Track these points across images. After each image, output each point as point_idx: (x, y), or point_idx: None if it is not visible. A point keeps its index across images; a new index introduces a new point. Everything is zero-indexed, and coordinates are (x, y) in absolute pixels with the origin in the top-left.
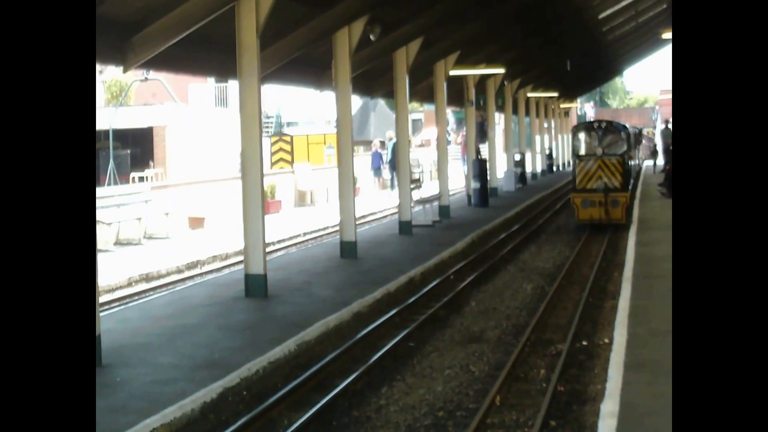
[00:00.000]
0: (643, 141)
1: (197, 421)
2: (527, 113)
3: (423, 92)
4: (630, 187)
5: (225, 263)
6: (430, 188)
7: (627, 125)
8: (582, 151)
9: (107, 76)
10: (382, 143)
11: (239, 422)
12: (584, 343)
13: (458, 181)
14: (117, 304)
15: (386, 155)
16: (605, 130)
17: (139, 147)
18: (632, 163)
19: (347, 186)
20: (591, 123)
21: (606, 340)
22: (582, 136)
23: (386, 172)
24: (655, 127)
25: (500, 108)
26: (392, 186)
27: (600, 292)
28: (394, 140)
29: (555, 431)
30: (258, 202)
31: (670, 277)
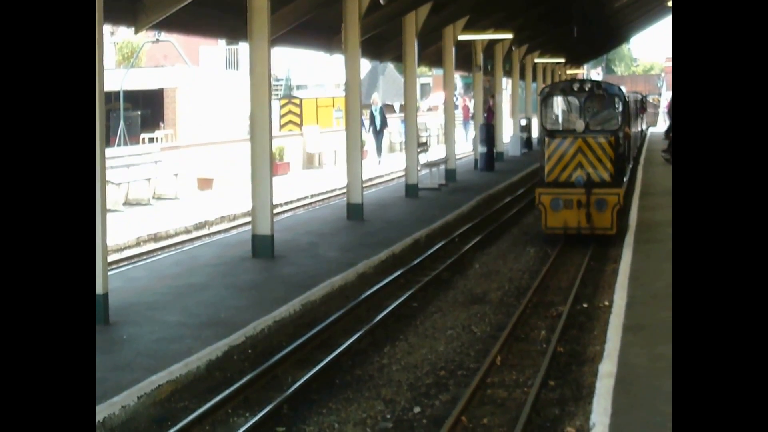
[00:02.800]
0: (649, 108)
1: (203, 378)
2: (534, 79)
3: (431, 57)
4: (625, 179)
5: (233, 224)
6: (437, 152)
7: (623, 88)
8: (554, 126)
9: (119, 37)
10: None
11: (244, 380)
12: (585, 305)
13: (463, 145)
14: (125, 263)
15: (368, 122)
16: (591, 95)
17: (149, 108)
18: (630, 143)
19: (355, 149)
20: (569, 83)
21: (606, 303)
22: (555, 103)
23: (370, 140)
24: (660, 95)
25: (507, 73)
26: (379, 155)
27: (602, 256)
28: (380, 105)
29: (554, 391)
30: (266, 164)
31: (670, 242)
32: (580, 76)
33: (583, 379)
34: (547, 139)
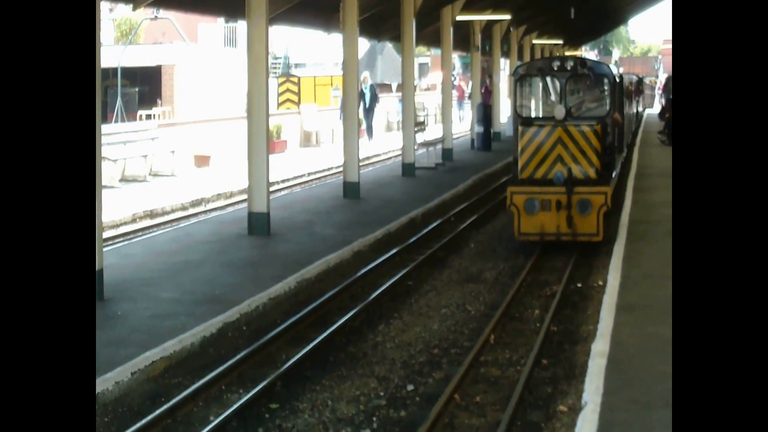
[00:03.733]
0: (646, 90)
1: (197, 355)
2: (532, 60)
3: (430, 37)
4: (615, 174)
5: (229, 201)
6: (434, 131)
7: (612, 67)
8: (530, 112)
9: (117, 14)
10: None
11: (237, 356)
12: (579, 285)
13: (460, 125)
14: (121, 239)
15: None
16: (573, 75)
17: (147, 85)
18: (622, 130)
19: (351, 127)
20: (548, 61)
21: (600, 283)
22: (532, 85)
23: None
24: (657, 77)
25: (505, 54)
26: (369, 134)
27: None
28: (370, 82)
29: (546, 369)
30: (263, 142)
31: (665, 222)
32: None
33: (575, 358)
34: (521, 127)
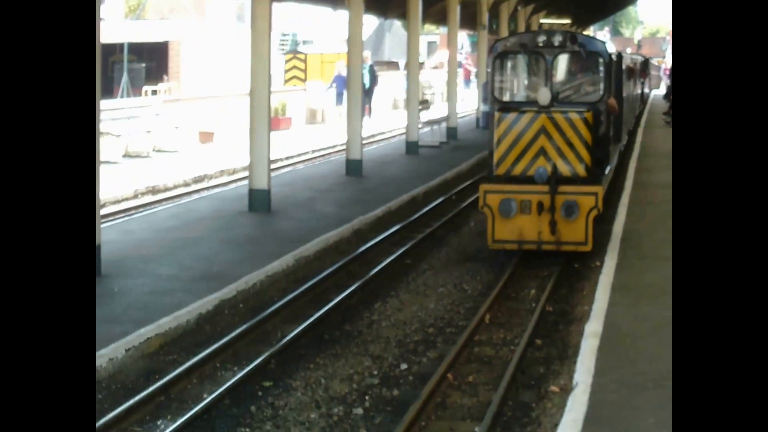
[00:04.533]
0: (652, 71)
1: (192, 331)
2: (514, 33)
3: (437, 15)
4: (610, 170)
5: (232, 178)
6: (441, 110)
7: (607, 43)
8: (510, 96)
9: None
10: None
11: (233, 333)
12: (576, 265)
13: (467, 104)
14: (122, 215)
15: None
16: (562, 52)
17: (154, 61)
18: (620, 116)
19: (355, 105)
20: (533, 36)
21: (597, 263)
22: (512, 64)
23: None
24: (665, 57)
25: (513, 33)
26: (368, 113)
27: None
28: (370, 62)
29: (540, 350)
30: (264, 119)
31: (664, 204)
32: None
33: (569, 338)
34: (497, 114)
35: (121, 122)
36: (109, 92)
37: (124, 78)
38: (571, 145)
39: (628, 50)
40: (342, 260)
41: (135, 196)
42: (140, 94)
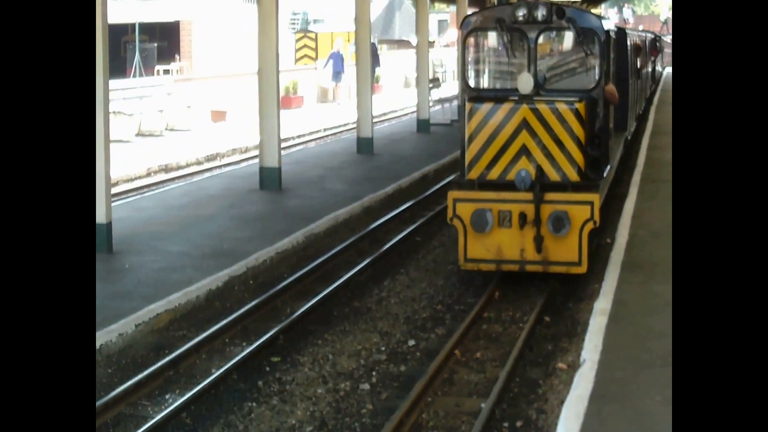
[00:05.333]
0: (666, 49)
1: (202, 308)
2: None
3: None
4: (609, 170)
5: (244, 156)
6: (452, 88)
7: (603, 18)
8: (485, 83)
9: None
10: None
11: (242, 310)
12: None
13: None
14: (134, 193)
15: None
16: (548, 29)
17: (166, 40)
18: (626, 102)
19: (365, 83)
20: (512, 9)
21: (608, 241)
22: (486, 43)
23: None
24: None
25: None
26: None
27: (608, 194)
28: (373, 41)
29: (549, 327)
30: (273, 98)
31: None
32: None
33: (578, 315)
34: (469, 104)
35: (134, 102)
36: (122, 72)
37: (137, 58)
38: (559, 142)
39: (650, 32)
40: (352, 237)
41: (147, 175)
42: (153, 74)
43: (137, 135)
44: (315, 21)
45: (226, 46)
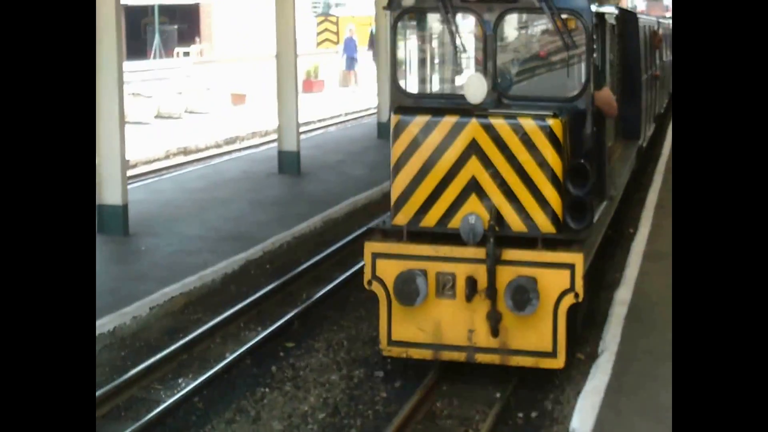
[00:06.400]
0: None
1: (217, 291)
2: None
3: None
4: (600, 215)
5: (264, 140)
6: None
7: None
8: (422, 86)
9: None
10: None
11: (258, 294)
12: (609, 231)
13: None
14: (152, 175)
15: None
16: (510, 9)
17: (186, 23)
18: (639, 108)
19: (385, 67)
20: None
21: (631, 230)
22: (424, 31)
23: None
24: None
25: None
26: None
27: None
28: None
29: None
30: (291, 81)
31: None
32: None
33: (599, 305)
34: (395, 117)
35: (152, 83)
36: (142, 54)
37: (156, 40)
38: (525, 176)
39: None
40: (370, 223)
41: (166, 157)
42: (172, 56)
43: (156, 117)
44: (336, 5)
45: (247, 28)
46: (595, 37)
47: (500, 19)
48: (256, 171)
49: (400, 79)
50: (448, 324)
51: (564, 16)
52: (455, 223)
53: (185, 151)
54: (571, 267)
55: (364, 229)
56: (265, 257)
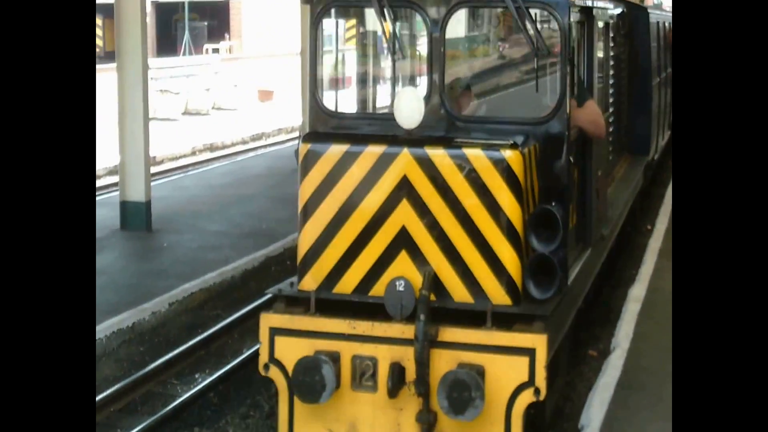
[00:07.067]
0: None
1: (237, 287)
2: None
3: None
4: (576, 274)
5: (290, 136)
6: None
7: None
8: (351, 104)
9: None
10: None
11: None
12: (627, 228)
13: None
14: (178, 171)
15: None
16: (460, 4)
17: (216, 19)
18: (594, 153)
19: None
20: None
21: (649, 227)
22: (359, 29)
23: None
24: None
25: None
26: None
27: (653, 179)
28: None
29: (581, 314)
30: None
31: None
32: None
33: (614, 302)
34: (304, 147)
35: (180, 80)
36: (173, 50)
37: (186, 36)
38: (472, 226)
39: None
40: None
41: (192, 153)
42: (202, 53)
43: (184, 113)
44: None
45: (276, 25)
46: (576, 37)
47: (450, 15)
48: (281, 167)
49: (320, 94)
50: (366, 426)
51: (533, 10)
52: (379, 289)
53: (211, 148)
54: (530, 353)
55: None
56: (286, 254)
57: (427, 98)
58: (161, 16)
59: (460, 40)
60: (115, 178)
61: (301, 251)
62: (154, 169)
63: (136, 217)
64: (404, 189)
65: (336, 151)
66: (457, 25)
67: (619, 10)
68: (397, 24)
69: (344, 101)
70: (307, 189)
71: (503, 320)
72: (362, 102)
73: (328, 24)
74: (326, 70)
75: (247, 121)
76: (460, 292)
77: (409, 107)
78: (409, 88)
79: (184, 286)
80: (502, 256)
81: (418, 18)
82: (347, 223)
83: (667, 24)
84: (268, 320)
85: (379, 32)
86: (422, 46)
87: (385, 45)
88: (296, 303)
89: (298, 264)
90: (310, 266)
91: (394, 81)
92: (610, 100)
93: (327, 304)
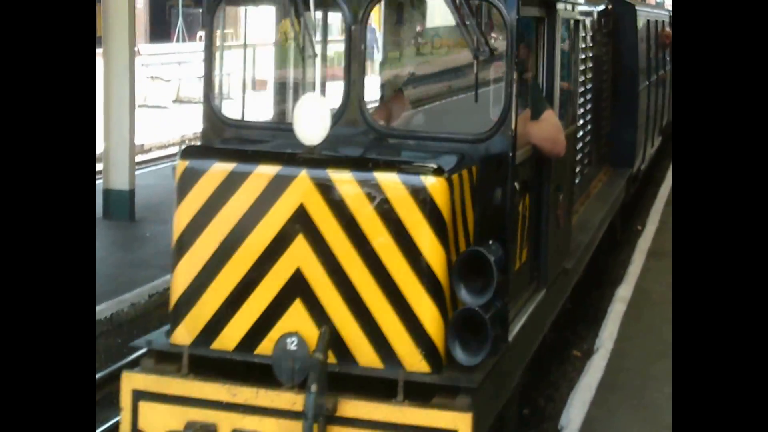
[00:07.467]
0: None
1: None
2: None
3: None
4: (522, 325)
5: None
6: None
7: None
8: (245, 113)
9: None
10: None
11: None
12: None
13: None
14: (165, 160)
15: None
16: None
17: None
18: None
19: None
20: None
21: (639, 227)
22: (262, 28)
23: None
24: None
25: None
26: None
27: (646, 179)
28: None
29: (569, 314)
30: None
31: None
32: None
33: (600, 302)
34: (182, 165)
35: (172, 67)
36: (166, 37)
37: (180, 23)
38: (382, 272)
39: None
40: None
41: (181, 142)
42: (196, 40)
43: (175, 101)
44: None
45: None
46: (533, 37)
47: (374, 4)
48: None
49: (215, 98)
50: None
51: (475, 2)
52: (267, 347)
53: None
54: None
55: None
56: None
57: (343, 106)
58: (155, 2)
59: (374, 38)
60: (99, 166)
61: (174, 295)
62: (141, 158)
63: (119, 205)
64: (300, 222)
65: (219, 170)
66: (382, 20)
67: (600, 6)
68: (317, 16)
69: (254, 107)
70: (183, 217)
71: (420, 392)
72: (273, 108)
73: (223, 19)
74: (228, 69)
75: (239, 110)
76: (366, 355)
77: (311, 118)
78: (311, 94)
79: (165, 278)
80: (419, 311)
81: (339, 10)
82: (230, 263)
83: (659, 22)
84: (132, 381)
85: (288, 25)
86: (336, 44)
87: (293, 40)
88: (171, 358)
89: (170, 311)
90: (185, 315)
91: (304, 84)
92: (586, 108)
93: (204, 362)
